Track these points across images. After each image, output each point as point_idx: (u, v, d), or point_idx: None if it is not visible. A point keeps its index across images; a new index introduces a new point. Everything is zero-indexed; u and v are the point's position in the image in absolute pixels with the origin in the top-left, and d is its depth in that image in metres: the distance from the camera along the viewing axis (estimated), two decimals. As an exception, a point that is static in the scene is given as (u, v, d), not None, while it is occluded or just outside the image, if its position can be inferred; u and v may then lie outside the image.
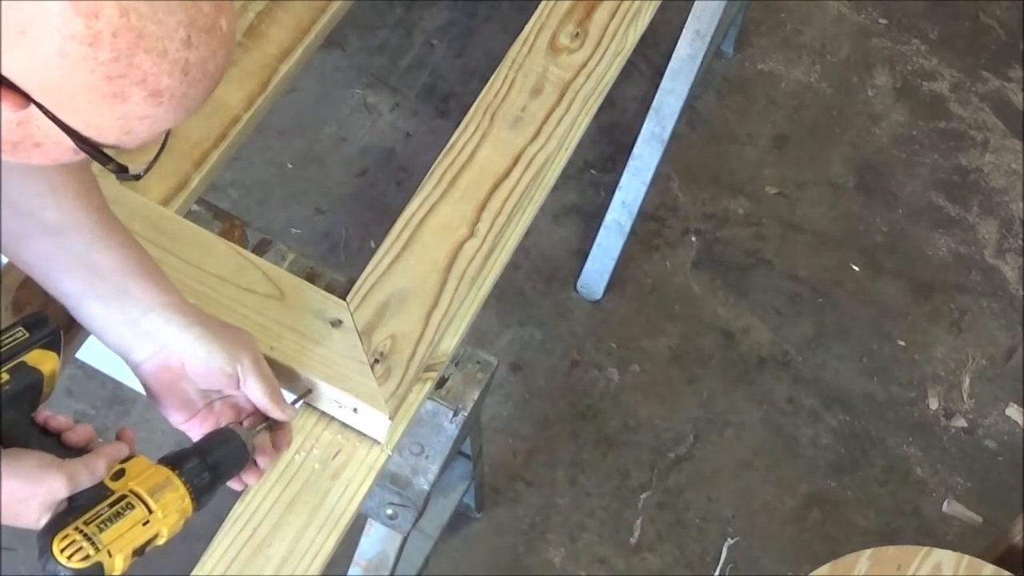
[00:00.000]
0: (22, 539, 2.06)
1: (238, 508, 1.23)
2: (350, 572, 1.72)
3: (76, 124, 0.89)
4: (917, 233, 2.70)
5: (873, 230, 2.69)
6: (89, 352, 1.43)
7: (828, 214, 2.69)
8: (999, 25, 3.07)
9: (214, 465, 1.14)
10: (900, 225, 2.70)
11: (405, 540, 1.65)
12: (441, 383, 1.44)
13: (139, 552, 1.08)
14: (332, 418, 1.29)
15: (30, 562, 2.04)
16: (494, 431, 2.29)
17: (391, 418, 1.27)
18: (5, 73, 0.85)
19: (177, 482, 1.10)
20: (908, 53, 2.98)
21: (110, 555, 1.05)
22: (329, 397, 1.28)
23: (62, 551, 1.04)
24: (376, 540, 1.68)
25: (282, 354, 1.28)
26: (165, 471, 1.11)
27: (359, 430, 1.29)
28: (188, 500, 1.11)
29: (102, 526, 1.05)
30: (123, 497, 1.08)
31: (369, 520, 1.61)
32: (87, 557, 1.04)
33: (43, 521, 1.06)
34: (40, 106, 0.87)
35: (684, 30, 2.25)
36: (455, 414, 1.45)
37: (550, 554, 2.21)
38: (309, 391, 1.28)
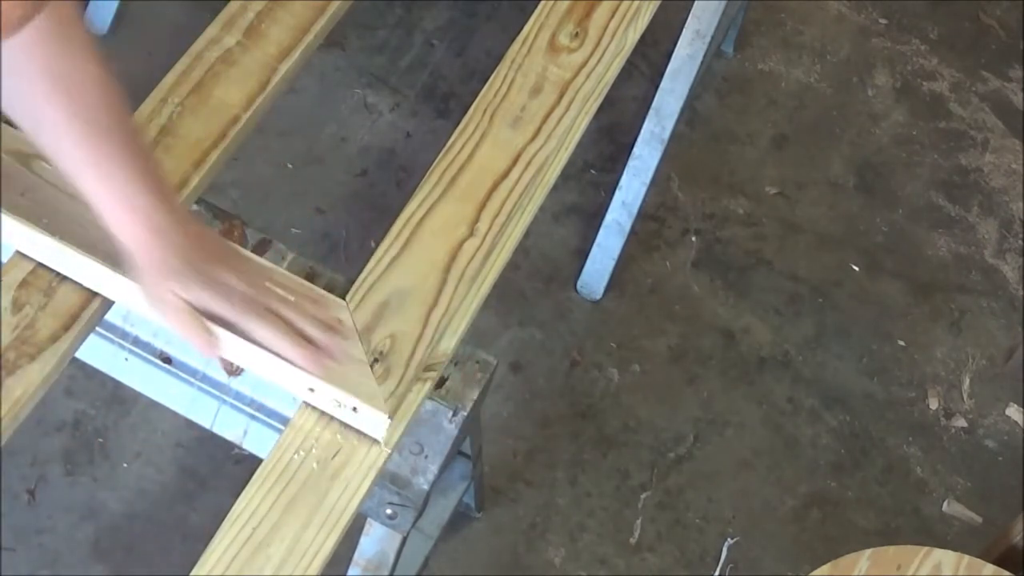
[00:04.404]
0: (22, 539, 2.06)
1: (238, 508, 1.23)
2: (350, 572, 1.72)
3: None
4: (917, 233, 2.70)
5: (873, 230, 2.68)
6: (89, 352, 1.43)
7: (828, 214, 2.69)
8: (999, 25, 3.07)
9: None
10: (900, 225, 2.70)
11: (405, 540, 1.65)
12: (441, 383, 1.44)
13: None
14: (332, 418, 1.29)
15: (30, 562, 2.04)
16: (494, 431, 2.29)
17: (391, 417, 1.27)
18: None
19: None
20: (908, 53, 2.98)
21: None
22: (329, 396, 1.28)
23: None
24: (376, 540, 1.67)
25: (282, 354, 1.28)
26: None
27: (358, 429, 1.29)
28: None
29: None
30: None
31: (369, 520, 1.61)
32: None
33: None
34: None
35: (684, 30, 2.25)
36: (455, 414, 1.45)
37: (550, 554, 2.21)
38: (311, 390, 1.28)
